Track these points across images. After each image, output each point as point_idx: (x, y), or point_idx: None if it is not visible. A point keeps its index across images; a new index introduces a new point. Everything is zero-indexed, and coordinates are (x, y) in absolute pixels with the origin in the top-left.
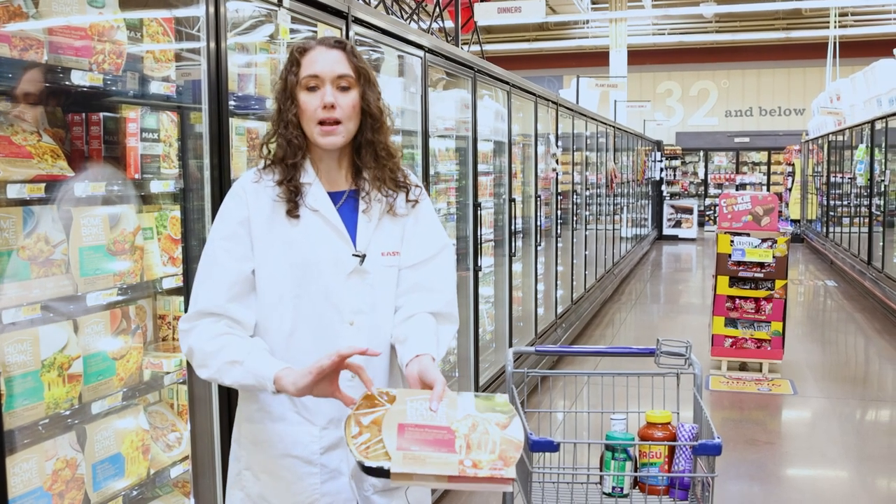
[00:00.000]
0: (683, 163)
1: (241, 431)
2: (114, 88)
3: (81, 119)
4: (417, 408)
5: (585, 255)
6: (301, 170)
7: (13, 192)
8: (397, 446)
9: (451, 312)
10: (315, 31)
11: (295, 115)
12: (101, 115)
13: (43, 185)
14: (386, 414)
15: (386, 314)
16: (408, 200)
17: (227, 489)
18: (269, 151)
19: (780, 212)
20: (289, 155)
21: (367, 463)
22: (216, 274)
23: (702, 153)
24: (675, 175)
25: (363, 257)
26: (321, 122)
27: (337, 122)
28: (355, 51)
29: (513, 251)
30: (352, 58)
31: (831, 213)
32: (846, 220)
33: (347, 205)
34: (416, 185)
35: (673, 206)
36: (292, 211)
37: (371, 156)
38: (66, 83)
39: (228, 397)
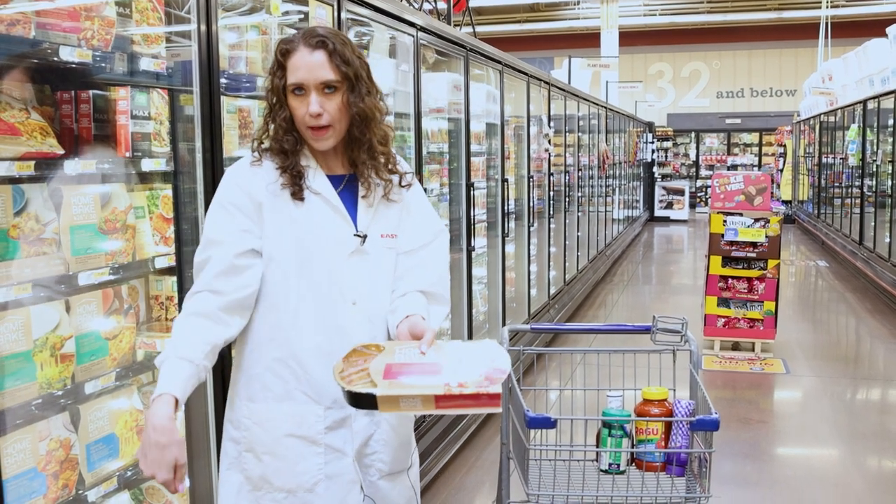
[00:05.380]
0: (675, 144)
1: (240, 412)
2: (103, 65)
3: (70, 97)
4: (406, 352)
5: (578, 237)
6: (301, 156)
7: (2, 169)
8: (384, 377)
9: (442, 294)
10: (307, 11)
11: (285, 119)
12: (91, 92)
13: (32, 163)
14: (375, 357)
15: (385, 297)
16: (401, 185)
17: (221, 472)
18: (262, 142)
19: (772, 192)
20: (286, 154)
21: (354, 389)
22: (216, 255)
23: (693, 134)
24: (666, 156)
25: (364, 238)
26: (310, 128)
27: (326, 127)
28: (339, 49)
29: (506, 232)
30: (335, 59)
31: (823, 194)
32: (838, 201)
33: (346, 189)
34: (407, 172)
35: (664, 188)
36: (297, 193)
37: (359, 150)
38: (55, 59)
39: (223, 379)
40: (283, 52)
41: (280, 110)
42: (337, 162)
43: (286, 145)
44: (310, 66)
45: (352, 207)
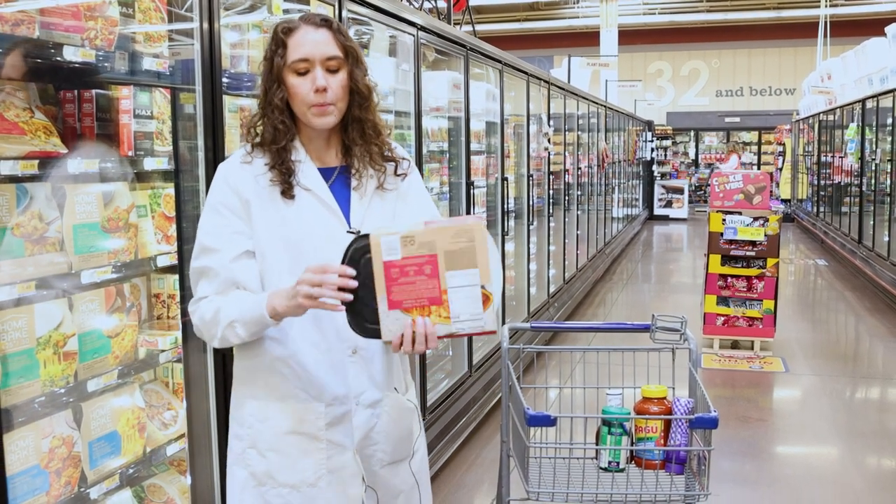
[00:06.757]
0: (674, 143)
1: (244, 410)
2: (106, 65)
3: (74, 96)
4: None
5: (577, 235)
6: (291, 149)
7: (6, 168)
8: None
9: None
10: (308, 10)
11: (282, 100)
12: (94, 91)
13: (36, 162)
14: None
15: None
16: (396, 174)
17: (228, 468)
18: (257, 134)
19: (771, 191)
20: (277, 140)
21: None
22: (213, 264)
23: (692, 133)
24: (665, 155)
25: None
26: (314, 105)
27: (330, 104)
28: (342, 28)
29: (506, 230)
30: (339, 36)
31: (822, 193)
32: (837, 200)
33: (338, 181)
34: (404, 159)
35: (664, 186)
36: (287, 192)
37: (358, 133)
38: (58, 59)
39: (224, 375)
40: (286, 31)
41: (277, 90)
42: (330, 152)
43: (280, 126)
44: (315, 41)
45: (344, 202)
